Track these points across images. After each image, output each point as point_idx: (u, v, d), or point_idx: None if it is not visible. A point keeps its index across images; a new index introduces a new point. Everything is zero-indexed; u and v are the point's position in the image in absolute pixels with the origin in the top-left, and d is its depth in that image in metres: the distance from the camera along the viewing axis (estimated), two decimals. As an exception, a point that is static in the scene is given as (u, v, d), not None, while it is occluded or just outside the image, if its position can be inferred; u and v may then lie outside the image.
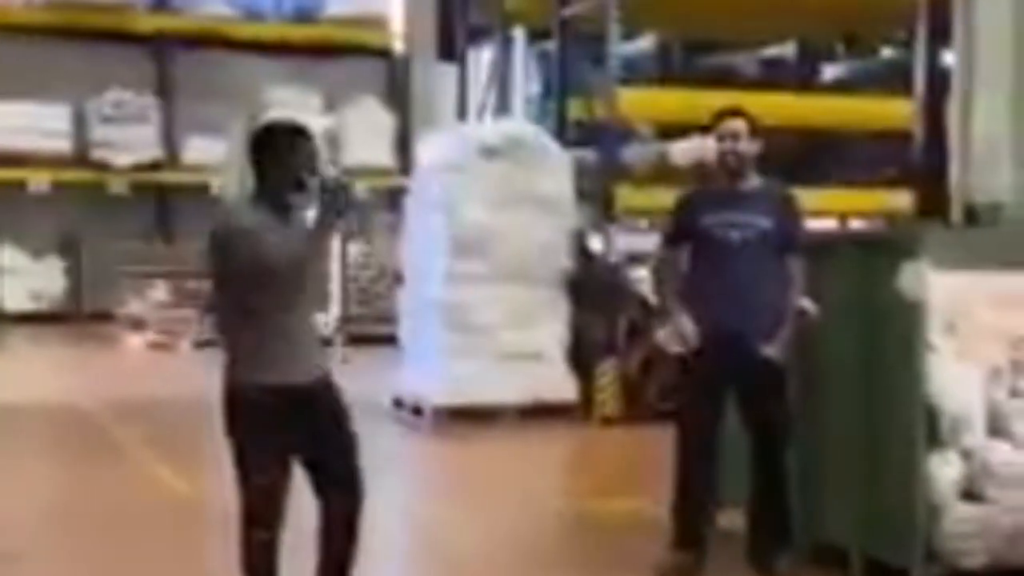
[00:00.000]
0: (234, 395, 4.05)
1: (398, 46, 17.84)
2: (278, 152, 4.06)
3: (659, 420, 7.90)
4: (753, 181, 5.34)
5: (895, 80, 12.08)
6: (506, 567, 5.35)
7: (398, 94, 18.95)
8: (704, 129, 10.41)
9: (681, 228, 5.42)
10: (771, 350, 5.18)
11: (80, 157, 19.14)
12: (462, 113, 14.10)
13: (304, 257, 3.97)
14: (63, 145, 19.01)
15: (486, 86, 13.89)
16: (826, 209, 10.84)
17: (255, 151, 4.10)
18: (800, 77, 13.33)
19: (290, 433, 4.05)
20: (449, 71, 15.22)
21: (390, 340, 11.23)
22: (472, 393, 9.39)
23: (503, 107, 13.28)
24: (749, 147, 5.27)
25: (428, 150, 10.70)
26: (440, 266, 9.54)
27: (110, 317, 16.51)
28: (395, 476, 7.52)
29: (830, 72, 14.01)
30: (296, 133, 4.12)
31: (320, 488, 4.19)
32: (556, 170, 9.95)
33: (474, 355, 9.46)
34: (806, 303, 5.27)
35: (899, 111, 11.33)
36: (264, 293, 3.97)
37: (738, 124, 5.28)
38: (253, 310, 4.00)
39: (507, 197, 9.67)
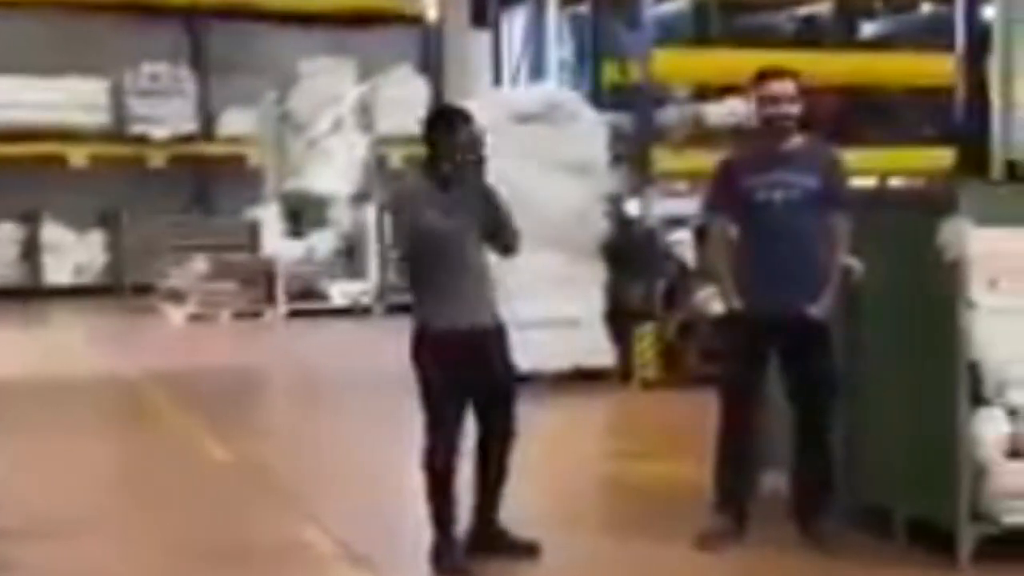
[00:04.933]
0: (418, 334, 4.93)
1: (431, 13, 17.74)
2: (441, 132, 4.83)
3: (698, 384, 7.90)
4: (796, 140, 5.27)
5: (935, 36, 11.90)
6: (546, 530, 5.35)
7: (432, 62, 18.89)
8: (742, 90, 10.35)
9: (721, 193, 5.37)
10: (816, 310, 5.13)
11: (118, 131, 19.22)
12: (497, 79, 14.03)
13: (455, 228, 4.76)
14: (101, 120, 19.08)
15: (520, 52, 13.81)
16: (866, 168, 10.70)
17: (427, 130, 4.88)
18: (838, 35, 13.15)
19: (458, 368, 4.85)
20: (483, 37, 15.12)
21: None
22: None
23: (537, 72, 13.20)
24: (796, 108, 5.20)
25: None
26: (476, 232, 9.51)
27: (152, 290, 16.63)
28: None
29: (869, 29, 13.83)
30: (458, 117, 4.89)
31: (480, 417, 5.01)
32: (591, 134, 9.87)
33: (511, 321, 9.40)
34: (852, 262, 5.21)
35: (939, 68, 11.16)
36: (424, 254, 4.81)
37: (786, 86, 5.19)
38: (420, 267, 4.86)
39: (542, 162, 9.60)
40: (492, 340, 4.99)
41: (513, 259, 5.13)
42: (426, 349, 4.92)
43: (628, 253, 9.84)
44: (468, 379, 4.93)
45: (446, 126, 4.87)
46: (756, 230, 5.24)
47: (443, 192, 4.88)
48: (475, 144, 4.86)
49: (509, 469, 5.14)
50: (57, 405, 9.44)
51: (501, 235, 4.97)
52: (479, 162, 4.87)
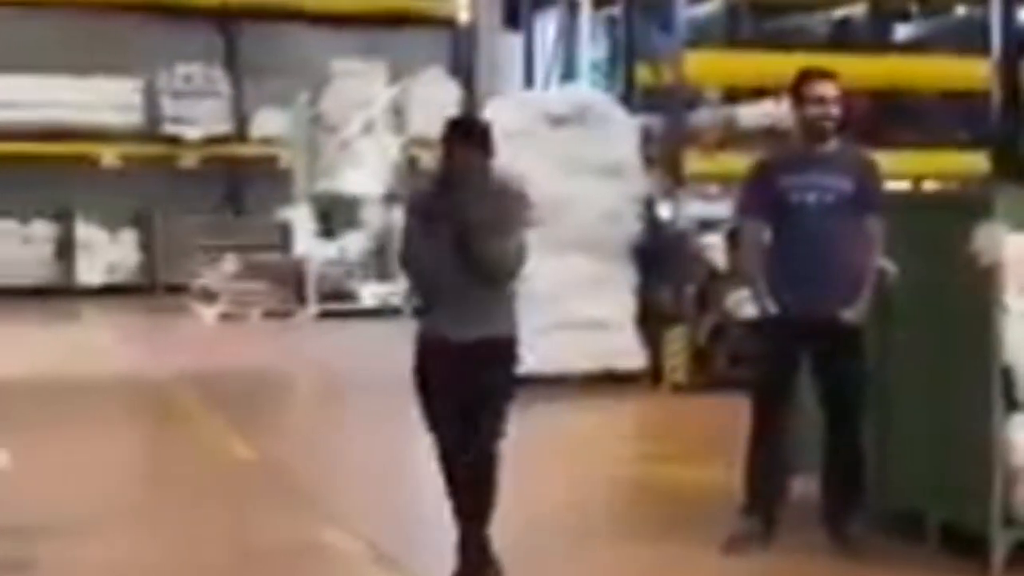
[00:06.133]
0: (418, 342, 4.85)
1: (463, 15, 17.77)
2: (458, 140, 4.70)
3: (729, 387, 7.85)
4: (832, 143, 5.23)
5: (970, 39, 11.80)
6: (574, 534, 5.34)
7: (463, 63, 18.94)
8: (773, 92, 10.29)
9: (755, 195, 5.33)
10: (850, 314, 5.09)
11: (151, 132, 19.35)
12: (529, 81, 14.02)
13: (442, 267, 4.63)
14: (135, 120, 19.22)
15: (552, 54, 13.79)
16: (900, 172, 10.63)
17: (446, 133, 4.73)
18: (872, 37, 13.06)
19: (449, 378, 4.70)
20: (515, 39, 15.13)
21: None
22: (540, 361, 9.32)
23: (569, 74, 13.17)
24: (838, 110, 5.17)
25: (494, 118, 10.62)
26: (507, 234, 9.49)
27: (184, 289, 16.73)
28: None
29: (903, 32, 13.73)
30: (476, 128, 4.80)
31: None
32: (623, 136, 9.86)
33: (541, 324, 9.42)
34: (886, 265, 5.17)
35: (974, 71, 11.07)
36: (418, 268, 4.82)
37: (829, 88, 5.17)
38: (422, 280, 4.86)
39: (574, 164, 9.60)
40: (499, 349, 4.75)
41: (511, 280, 4.79)
42: (427, 357, 4.81)
43: (659, 256, 9.81)
44: (463, 387, 4.73)
45: (463, 135, 4.79)
46: (789, 232, 5.21)
47: (444, 194, 4.75)
48: (484, 159, 4.76)
49: (489, 502, 4.78)
50: (86, 403, 9.49)
51: (498, 238, 4.67)
52: (484, 171, 4.76)
